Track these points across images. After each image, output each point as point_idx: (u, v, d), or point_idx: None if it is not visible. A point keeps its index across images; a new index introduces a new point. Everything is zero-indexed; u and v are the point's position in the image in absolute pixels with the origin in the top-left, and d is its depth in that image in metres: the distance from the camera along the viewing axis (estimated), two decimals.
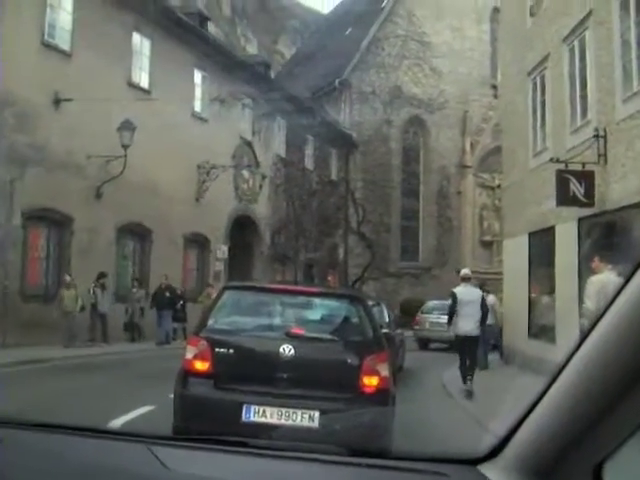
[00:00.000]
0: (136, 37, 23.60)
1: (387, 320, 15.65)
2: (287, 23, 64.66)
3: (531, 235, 16.67)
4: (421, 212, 43.86)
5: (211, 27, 35.60)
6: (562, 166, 12.57)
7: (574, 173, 12.31)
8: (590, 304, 9.16)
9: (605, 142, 12.20)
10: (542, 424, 1.34)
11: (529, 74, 16.82)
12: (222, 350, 6.71)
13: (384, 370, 6.75)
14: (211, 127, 27.09)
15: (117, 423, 7.96)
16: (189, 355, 6.79)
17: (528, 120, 16.81)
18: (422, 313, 26.79)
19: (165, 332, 22.42)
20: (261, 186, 30.01)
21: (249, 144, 30.20)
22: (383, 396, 6.69)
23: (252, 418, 6.35)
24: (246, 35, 57.52)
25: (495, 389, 13.43)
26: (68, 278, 19.59)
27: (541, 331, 16.09)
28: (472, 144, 43.96)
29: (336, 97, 42.21)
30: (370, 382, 6.65)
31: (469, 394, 12.77)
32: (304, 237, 35.39)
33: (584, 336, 1.23)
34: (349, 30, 47.65)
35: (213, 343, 6.73)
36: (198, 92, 27.12)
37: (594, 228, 13.11)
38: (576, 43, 13.89)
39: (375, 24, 43.35)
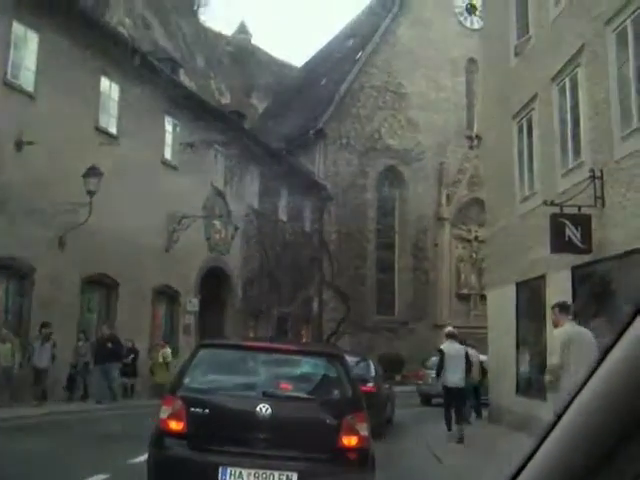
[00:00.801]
0: (104, 81, 22.75)
1: (373, 375, 16.31)
2: (261, 77, 64.66)
3: (519, 285, 15.77)
4: (397, 265, 43.08)
5: (185, 79, 34.99)
6: (557, 209, 11.72)
7: (570, 217, 11.44)
8: (556, 359, 8.53)
9: (602, 183, 11.42)
10: None
11: (514, 117, 16.08)
12: (197, 410, 6.47)
13: (363, 430, 6.57)
14: (182, 175, 26.16)
15: None
16: (163, 415, 6.56)
17: (514, 165, 16.03)
18: (425, 369, 26.13)
19: (108, 388, 20.52)
20: (233, 237, 29.03)
21: (221, 194, 29.33)
22: (362, 456, 6.52)
23: None
24: (220, 88, 57.33)
25: (480, 449, 12.82)
26: (4, 331, 18.13)
27: (531, 387, 15.13)
28: (448, 196, 43.44)
29: (311, 148, 41.65)
30: (349, 442, 6.48)
31: (459, 440, 13.75)
32: (277, 290, 34.36)
33: (574, 394, 1.18)
34: (324, 81, 47.40)
35: (188, 402, 6.52)
36: (169, 139, 26.25)
37: (589, 277, 12.26)
38: (567, 81, 13.18)
39: (351, 74, 43.02)
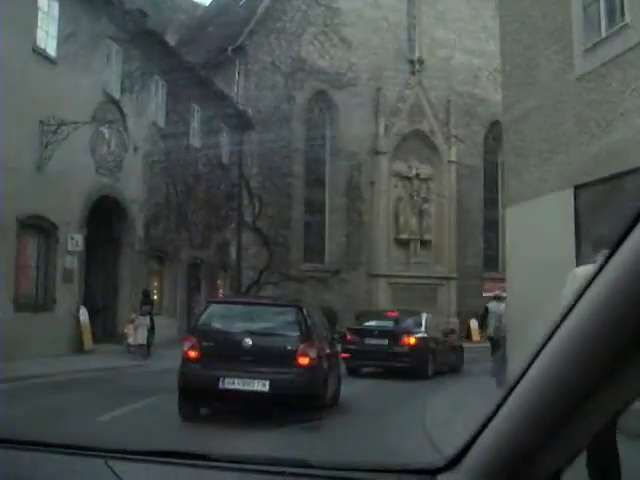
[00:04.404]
0: None
1: (423, 329, 19.42)
2: (174, 16, 58.56)
3: (581, 190, 9.97)
4: (327, 205, 37.25)
5: None
6: None
7: None
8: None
9: None
10: (500, 433, 1.34)
11: None
12: (206, 343, 10.47)
13: (313, 353, 10.37)
14: (62, 72, 19.80)
15: None
16: (185, 347, 10.57)
17: None
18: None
19: None
20: (127, 149, 22.38)
21: (116, 103, 22.93)
22: (313, 369, 10.30)
23: (226, 386, 10.02)
24: None
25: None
26: None
27: None
28: (386, 127, 37.76)
29: (229, 68, 35.33)
30: (303, 361, 10.25)
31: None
32: (188, 230, 28.42)
33: (544, 342, 1.19)
34: (243, 0, 41.01)
35: (200, 338, 10.55)
36: (45, 22, 19.74)
37: None
38: None
39: None
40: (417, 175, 38.17)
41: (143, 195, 25.01)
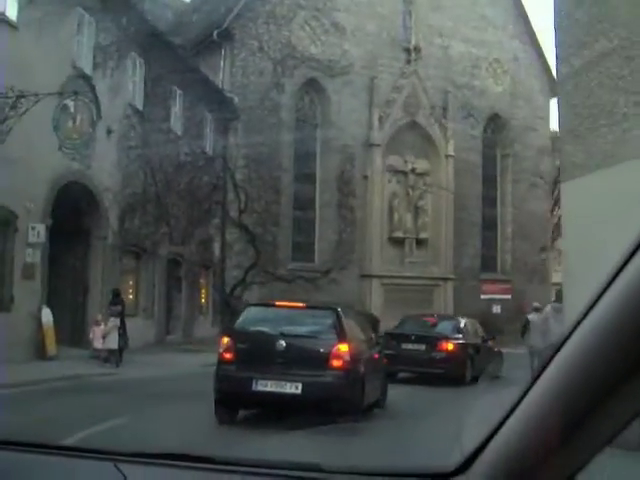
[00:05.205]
0: None
1: (459, 335, 19.48)
2: (160, 12, 56.44)
3: None
4: (318, 201, 35.03)
5: None
6: None
7: None
8: None
9: None
10: (513, 437, 1.30)
11: None
12: (240, 345, 10.75)
13: (347, 356, 10.39)
14: (24, 39, 17.54)
15: None
16: (221, 349, 10.91)
17: None
18: None
19: None
20: (94, 125, 19.75)
21: (87, 79, 20.56)
22: (347, 371, 10.33)
23: (259, 388, 10.18)
24: None
25: None
26: None
27: None
28: (381, 118, 35.56)
29: (215, 54, 33.10)
30: (337, 363, 10.33)
31: None
32: (167, 224, 26.14)
33: (561, 343, 1.16)
34: None
35: (235, 340, 10.81)
36: None
37: None
38: None
39: None
40: (413, 170, 36.09)
41: (118, 183, 22.70)
